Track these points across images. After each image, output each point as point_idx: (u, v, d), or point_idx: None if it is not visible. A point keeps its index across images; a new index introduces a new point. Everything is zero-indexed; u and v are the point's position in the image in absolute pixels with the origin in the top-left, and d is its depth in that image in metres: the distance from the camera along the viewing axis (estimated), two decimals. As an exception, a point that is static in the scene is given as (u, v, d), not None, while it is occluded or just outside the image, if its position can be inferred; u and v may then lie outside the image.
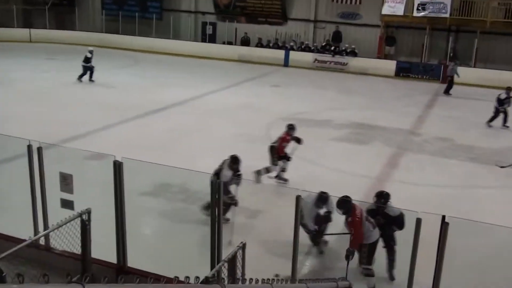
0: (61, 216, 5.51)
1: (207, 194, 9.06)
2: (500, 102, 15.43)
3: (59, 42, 29.87)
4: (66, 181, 5.33)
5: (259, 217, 8.67)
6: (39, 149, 5.47)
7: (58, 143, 10.67)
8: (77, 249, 5.34)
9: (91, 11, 32.72)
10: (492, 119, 15.61)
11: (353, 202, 6.33)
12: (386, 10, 25.20)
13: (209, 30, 30.14)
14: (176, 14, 30.57)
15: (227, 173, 7.82)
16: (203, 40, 29.83)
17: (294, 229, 4.88)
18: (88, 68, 19.10)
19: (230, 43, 28.99)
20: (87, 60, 19.08)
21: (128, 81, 20.64)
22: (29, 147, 5.51)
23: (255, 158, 11.78)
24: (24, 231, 5.80)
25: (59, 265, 5.46)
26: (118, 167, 5.05)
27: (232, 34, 29.16)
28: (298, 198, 4.58)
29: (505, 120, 15.54)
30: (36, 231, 5.68)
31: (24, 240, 5.39)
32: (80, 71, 18.88)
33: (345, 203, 6.28)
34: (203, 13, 30.72)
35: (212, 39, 29.86)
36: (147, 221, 8.62)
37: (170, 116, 15.61)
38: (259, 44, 27.96)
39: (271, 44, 27.92)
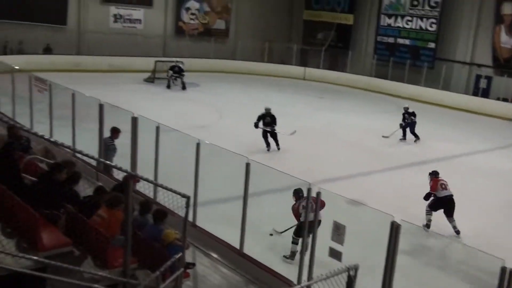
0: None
1: (471, 266, 8.31)
2: None
3: (330, 82, 31.40)
4: (338, 231, 5.33)
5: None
6: (318, 194, 5.59)
7: (318, 182, 11.03)
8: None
9: (364, 54, 33.63)
10: None
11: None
12: None
13: (483, 83, 28.24)
14: (449, 64, 29.41)
15: None
16: (475, 94, 28.02)
17: None
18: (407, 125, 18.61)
19: (505, 99, 26.62)
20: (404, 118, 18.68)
21: (386, 128, 20.23)
22: (309, 190, 5.69)
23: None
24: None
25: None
26: (395, 230, 4.82)
27: (509, 91, 26.75)
28: None
29: None
30: (300, 276, 5.82)
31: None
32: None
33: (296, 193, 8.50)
34: (479, 65, 28.87)
35: (485, 93, 27.87)
36: None
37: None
38: (538, 105, 25.11)
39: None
